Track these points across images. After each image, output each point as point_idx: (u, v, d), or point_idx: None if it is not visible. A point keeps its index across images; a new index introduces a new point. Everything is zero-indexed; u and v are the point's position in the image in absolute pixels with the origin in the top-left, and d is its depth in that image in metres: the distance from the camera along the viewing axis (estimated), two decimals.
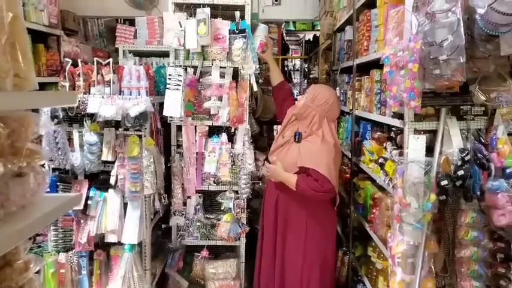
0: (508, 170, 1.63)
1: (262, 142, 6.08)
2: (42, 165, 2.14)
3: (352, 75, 2.88)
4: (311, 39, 7.33)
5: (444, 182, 1.65)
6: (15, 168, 0.87)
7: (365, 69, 2.60)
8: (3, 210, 0.82)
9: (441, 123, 1.71)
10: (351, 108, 2.90)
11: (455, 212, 1.72)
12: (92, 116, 2.25)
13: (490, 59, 1.62)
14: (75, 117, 2.30)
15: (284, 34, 7.27)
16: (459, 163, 1.65)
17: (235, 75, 2.66)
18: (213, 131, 2.70)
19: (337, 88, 3.40)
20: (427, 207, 1.65)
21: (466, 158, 1.64)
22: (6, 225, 0.81)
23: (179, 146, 2.67)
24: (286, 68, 8.11)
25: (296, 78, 8.66)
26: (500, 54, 1.56)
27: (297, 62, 8.80)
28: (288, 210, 2.30)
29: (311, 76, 5.87)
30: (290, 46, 8.33)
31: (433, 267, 1.77)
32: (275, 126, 7.49)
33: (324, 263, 2.28)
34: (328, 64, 4.41)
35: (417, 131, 1.75)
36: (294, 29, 7.46)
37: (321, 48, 5.02)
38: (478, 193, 1.64)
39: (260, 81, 6.72)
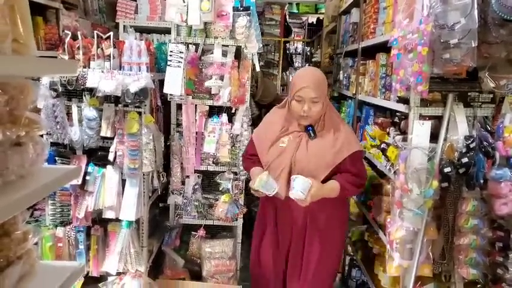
0: None
1: None
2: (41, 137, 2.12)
3: (356, 59, 2.83)
4: (314, 23, 7.21)
5: (447, 169, 1.64)
6: (14, 137, 0.84)
7: (370, 53, 2.55)
8: (2, 178, 0.80)
9: (447, 109, 1.69)
10: (354, 92, 2.86)
11: (457, 200, 1.72)
12: (91, 91, 2.20)
13: (502, 45, 1.58)
14: (74, 92, 2.25)
15: (287, 16, 7.15)
16: (464, 150, 1.63)
17: (238, 54, 2.61)
18: (213, 111, 2.66)
19: (341, 72, 3.35)
20: (429, 194, 1.64)
21: (471, 146, 1.62)
22: (5, 195, 0.78)
23: (179, 125, 2.64)
24: (288, 51, 8.00)
25: (298, 61, 8.56)
26: None
27: (299, 46, 8.67)
28: (317, 221, 1.92)
29: (313, 60, 5.79)
30: (293, 29, 8.20)
31: (431, 253, 1.78)
32: None
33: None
34: (331, 47, 4.34)
35: (422, 117, 1.72)
36: (297, 11, 7.34)
37: (324, 31, 4.93)
38: (481, 181, 1.63)
39: (261, 63, 6.66)
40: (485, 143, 1.61)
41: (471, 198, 1.68)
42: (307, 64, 7.18)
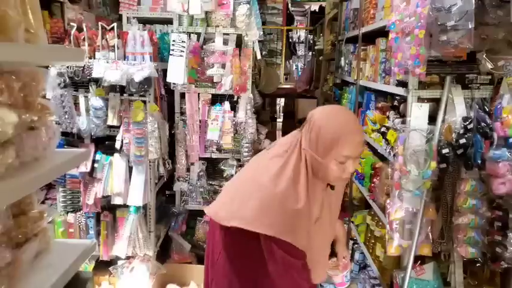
0: (510, 140, 1.64)
1: (265, 115, 6.10)
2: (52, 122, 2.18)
3: (357, 45, 2.84)
4: (317, 10, 7.17)
5: (445, 150, 1.68)
6: (29, 120, 0.89)
7: (371, 39, 2.57)
8: (18, 159, 0.85)
9: (445, 92, 1.72)
10: (355, 78, 2.88)
11: (455, 180, 1.76)
12: (97, 81, 2.25)
13: (499, 26, 1.60)
14: (80, 82, 2.31)
15: (289, 4, 7.11)
16: (461, 131, 1.66)
17: (239, 42, 2.64)
18: (216, 99, 2.71)
19: (342, 58, 3.37)
20: (427, 175, 1.68)
21: (469, 127, 1.66)
22: (22, 174, 0.84)
23: (183, 113, 2.69)
24: (290, 40, 7.98)
25: (300, 50, 8.54)
26: (511, 21, 1.54)
27: (302, 34, 8.63)
28: None
29: (316, 47, 5.78)
30: (295, 17, 8.16)
31: (430, 233, 1.82)
32: (278, 100, 7.46)
33: None
34: (333, 35, 4.34)
35: (421, 99, 1.75)
36: None
37: (326, 18, 4.92)
38: (479, 162, 1.66)
39: (264, 53, 6.67)
40: (483, 124, 1.64)
41: (469, 178, 1.72)
42: (310, 52, 7.16)
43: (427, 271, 1.84)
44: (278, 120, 7.25)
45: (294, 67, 8.11)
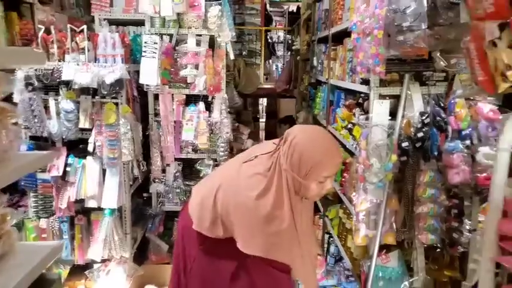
0: (463, 132, 1.74)
1: (246, 116, 6.15)
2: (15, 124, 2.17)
3: (328, 45, 2.92)
4: (294, 11, 7.26)
5: (405, 144, 1.76)
6: None
7: (340, 39, 2.65)
8: None
9: (404, 89, 1.80)
10: (327, 77, 2.96)
11: (415, 172, 1.85)
12: (68, 84, 2.25)
13: (451, 27, 1.69)
14: (50, 86, 2.30)
15: (267, 5, 7.18)
16: (419, 126, 1.75)
17: (212, 43, 2.68)
18: (191, 100, 2.74)
19: (315, 58, 3.45)
20: (388, 167, 1.76)
21: (426, 121, 1.75)
22: None
23: (157, 114, 2.71)
24: (270, 40, 8.05)
25: (280, 50, 8.62)
26: (461, 22, 1.64)
27: (281, 35, 8.72)
28: None
29: (293, 48, 5.87)
30: (274, 17, 8.24)
31: (393, 223, 1.91)
32: (260, 100, 7.52)
33: None
34: (309, 35, 4.42)
35: (382, 96, 1.84)
36: (277, 0, 7.37)
37: (302, 18, 5.01)
38: (436, 153, 1.76)
39: (244, 53, 6.71)
40: (438, 118, 1.74)
41: (428, 170, 1.81)
42: (288, 52, 7.25)
43: (392, 259, 1.93)
44: (261, 120, 7.31)
45: (274, 67, 8.18)
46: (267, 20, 7.17)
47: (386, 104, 1.80)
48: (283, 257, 1.35)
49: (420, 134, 1.73)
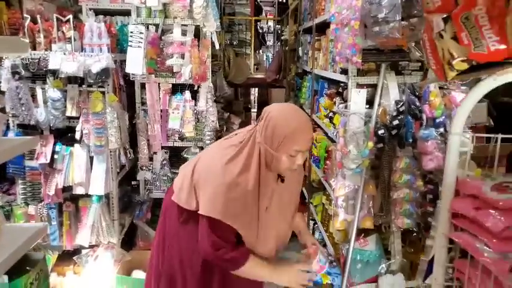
0: (437, 120, 1.82)
1: (237, 106, 6.18)
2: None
3: (312, 35, 2.98)
4: (284, 1, 7.26)
5: (381, 131, 1.84)
6: None
7: (324, 29, 2.70)
8: None
9: (381, 78, 1.87)
10: (311, 67, 3.02)
11: (391, 158, 1.93)
12: (55, 73, 2.28)
13: (424, 18, 1.75)
14: (37, 75, 2.32)
15: None
16: (395, 114, 1.82)
17: (198, 33, 2.71)
18: (177, 89, 2.77)
19: (300, 48, 3.49)
20: (365, 154, 1.84)
21: (401, 109, 1.82)
22: None
23: (143, 103, 2.74)
24: (260, 30, 8.06)
25: (270, 40, 8.63)
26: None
27: (271, 24, 8.71)
28: None
29: (282, 38, 5.90)
30: (264, 7, 8.22)
31: (371, 207, 1.99)
32: (252, 90, 7.55)
33: None
34: (296, 25, 4.46)
35: (360, 85, 1.90)
36: None
37: (290, 8, 5.03)
38: (411, 140, 1.84)
39: (234, 43, 6.71)
40: (413, 106, 1.81)
41: (404, 156, 1.89)
42: (278, 43, 7.27)
43: (370, 242, 2.02)
44: (252, 110, 7.35)
45: (264, 57, 8.20)
46: (257, 10, 7.18)
47: (363, 93, 1.87)
48: (239, 225, 1.36)
49: (396, 122, 1.81)
